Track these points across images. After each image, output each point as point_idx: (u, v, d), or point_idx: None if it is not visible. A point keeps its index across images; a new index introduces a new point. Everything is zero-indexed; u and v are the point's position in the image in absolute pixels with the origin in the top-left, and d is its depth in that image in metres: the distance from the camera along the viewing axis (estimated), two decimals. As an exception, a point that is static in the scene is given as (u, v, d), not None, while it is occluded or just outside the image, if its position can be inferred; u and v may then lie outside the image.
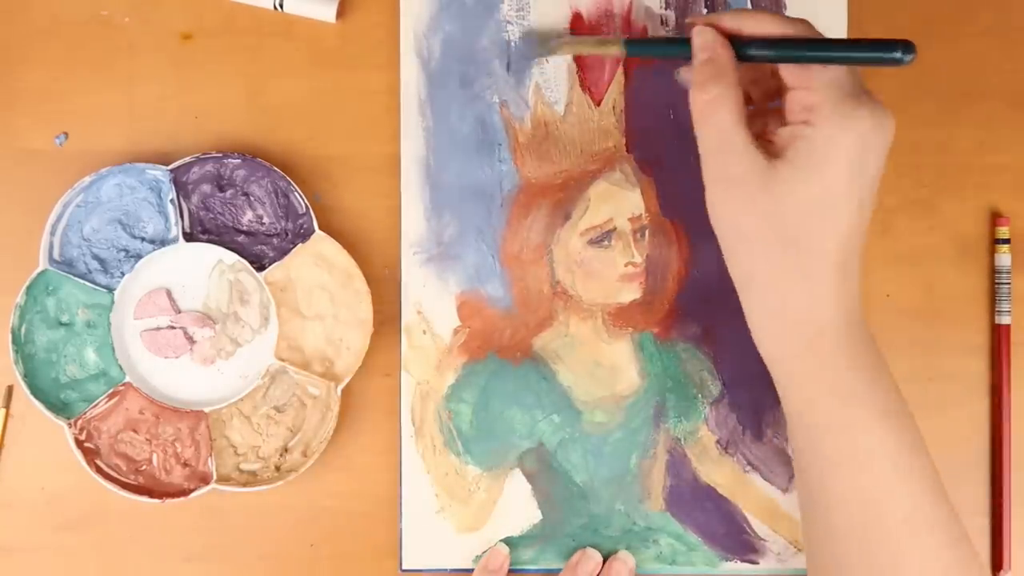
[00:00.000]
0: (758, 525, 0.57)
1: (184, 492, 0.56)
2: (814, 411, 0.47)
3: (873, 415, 0.46)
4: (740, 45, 0.46)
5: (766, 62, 0.46)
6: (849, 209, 0.44)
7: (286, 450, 0.57)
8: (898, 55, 0.42)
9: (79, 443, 0.56)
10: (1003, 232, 0.57)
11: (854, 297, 0.46)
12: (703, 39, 0.46)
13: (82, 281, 0.56)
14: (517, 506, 0.57)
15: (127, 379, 0.57)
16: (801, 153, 0.44)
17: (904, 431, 0.46)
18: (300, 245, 0.57)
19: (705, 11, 0.57)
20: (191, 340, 0.57)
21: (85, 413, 0.56)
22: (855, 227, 0.45)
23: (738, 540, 0.57)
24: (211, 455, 0.57)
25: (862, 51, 0.43)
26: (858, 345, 0.46)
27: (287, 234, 0.57)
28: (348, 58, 0.58)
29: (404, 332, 0.57)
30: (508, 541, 0.57)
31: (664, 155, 0.57)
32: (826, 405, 0.46)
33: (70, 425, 0.56)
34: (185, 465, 0.57)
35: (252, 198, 0.57)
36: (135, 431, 0.57)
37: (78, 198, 0.56)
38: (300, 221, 0.57)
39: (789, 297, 0.46)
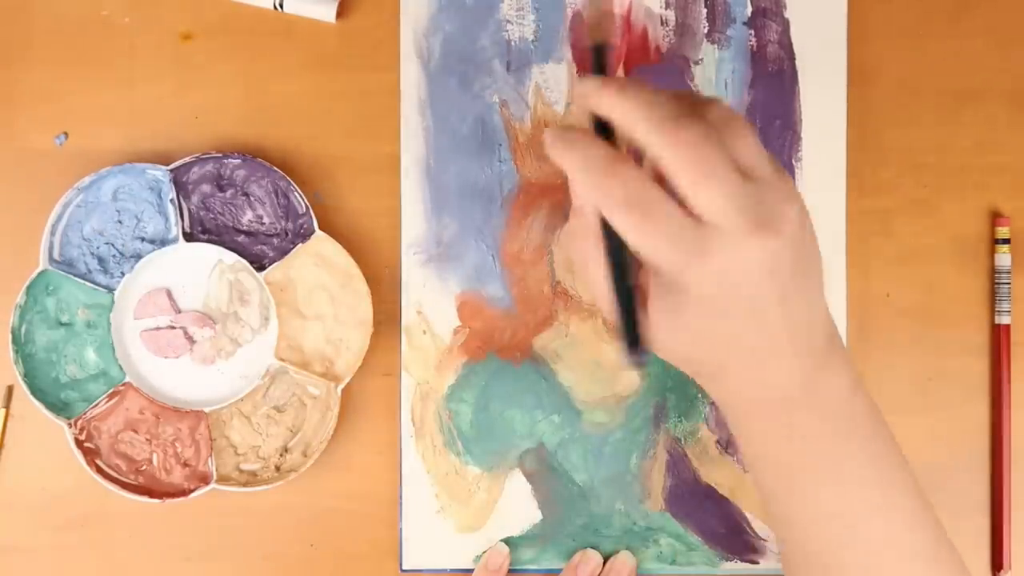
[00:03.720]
0: (758, 525, 0.57)
1: (184, 492, 0.56)
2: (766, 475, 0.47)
3: (819, 479, 0.45)
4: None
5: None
6: (729, 331, 0.42)
7: (286, 450, 0.57)
8: (627, 355, 0.40)
9: (79, 443, 0.56)
10: (1003, 232, 0.57)
11: (811, 370, 0.43)
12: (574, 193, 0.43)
13: (82, 281, 0.56)
14: (517, 506, 0.57)
15: (127, 379, 0.57)
16: (654, 300, 0.42)
17: (871, 488, 0.45)
18: (300, 245, 0.57)
19: (704, 11, 0.57)
20: (191, 340, 0.57)
21: (85, 413, 0.56)
22: (753, 331, 0.42)
23: (738, 540, 0.57)
24: (211, 455, 0.57)
25: (623, 320, 0.41)
26: (813, 413, 0.44)
27: (287, 234, 0.57)
28: (348, 58, 0.58)
29: (404, 332, 0.57)
30: (508, 541, 0.57)
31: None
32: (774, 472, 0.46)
33: (70, 425, 0.56)
34: (185, 465, 0.57)
35: (252, 198, 0.57)
36: (135, 431, 0.57)
37: (78, 198, 0.56)
38: (300, 221, 0.57)
39: (721, 392, 0.46)
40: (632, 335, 0.41)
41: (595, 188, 0.40)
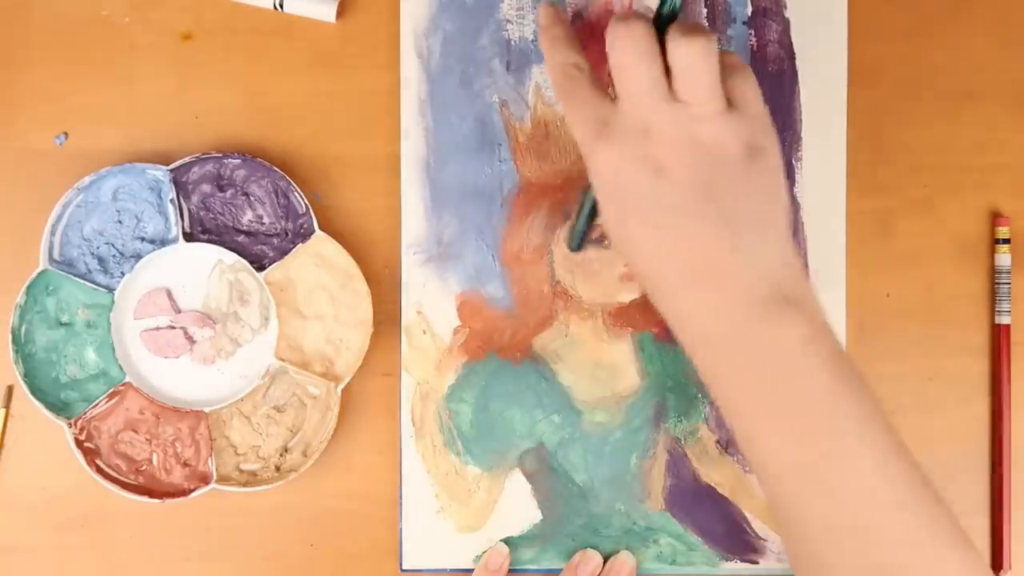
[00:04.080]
0: (758, 525, 0.57)
1: (184, 492, 0.56)
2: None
3: (768, 426, 0.44)
4: None
5: None
6: (650, 241, 0.44)
7: (286, 450, 0.57)
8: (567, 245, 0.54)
9: (79, 443, 0.56)
10: (1003, 232, 0.57)
11: (754, 320, 0.43)
12: None
13: (82, 281, 0.56)
14: (517, 506, 0.57)
15: (127, 379, 0.57)
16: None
17: (829, 439, 0.44)
18: (300, 245, 0.57)
19: (704, 10, 0.57)
20: (191, 340, 0.57)
21: (85, 413, 0.56)
22: (672, 250, 0.44)
23: (738, 540, 0.57)
24: (211, 455, 0.57)
25: (576, 222, 0.53)
26: (756, 361, 0.44)
27: (287, 234, 0.57)
28: (348, 58, 0.58)
29: (404, 332, 0.57)
30: (508, 541, 0.57)
31: (664, 155, 0.57)
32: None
33: (70, 425, 0.56)
34: (185, 465, 0.57)
35: (252, 198, 0.57)
36: (135, 431, 0.57)
37: (78, 198, 0.56)
38: (300, 221, 0.57)
39: (666, 312, 0.47)
40: (578, 238, 0.53)
41: (556, 86, 0.47)
